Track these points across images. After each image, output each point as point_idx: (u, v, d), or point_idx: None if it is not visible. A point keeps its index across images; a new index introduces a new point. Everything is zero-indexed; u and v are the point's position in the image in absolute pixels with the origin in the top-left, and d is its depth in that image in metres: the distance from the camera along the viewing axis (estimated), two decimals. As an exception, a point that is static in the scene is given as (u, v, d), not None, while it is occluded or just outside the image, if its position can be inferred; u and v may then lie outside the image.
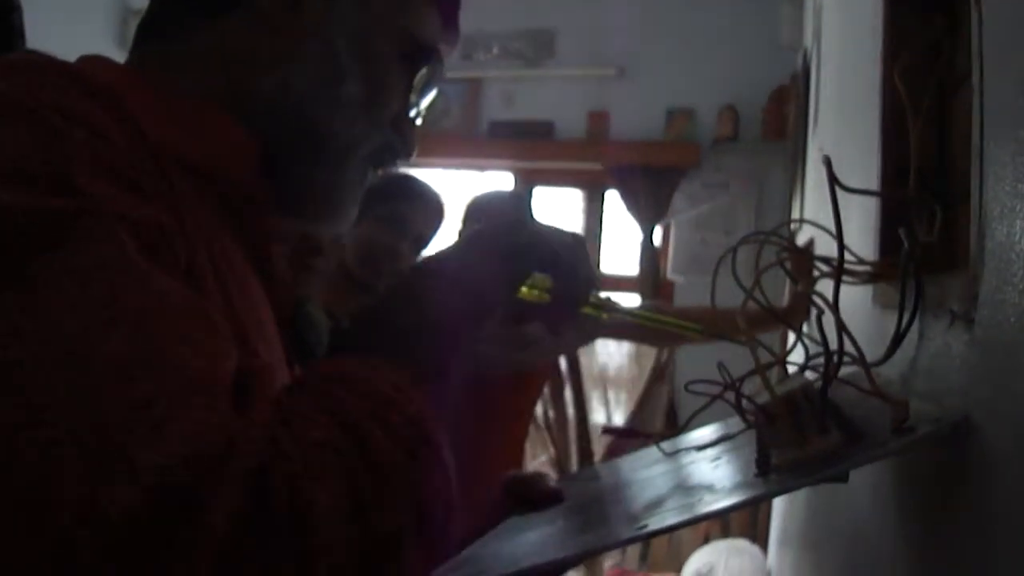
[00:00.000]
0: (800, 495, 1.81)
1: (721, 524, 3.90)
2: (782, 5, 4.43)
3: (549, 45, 5.26)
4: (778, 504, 2.95)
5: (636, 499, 0.72)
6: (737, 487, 0.67)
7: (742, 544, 3.35)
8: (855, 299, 0.98)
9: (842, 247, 0.70)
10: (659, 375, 4.14)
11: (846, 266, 0.92)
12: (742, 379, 0.75)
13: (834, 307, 0.74)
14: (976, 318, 0.56)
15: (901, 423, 0.59)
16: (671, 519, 0.60)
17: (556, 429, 2.89)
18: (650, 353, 4.34)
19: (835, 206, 0.71)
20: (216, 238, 0.66)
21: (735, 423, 0.92)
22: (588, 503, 0.79)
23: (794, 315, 2.09)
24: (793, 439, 0.64)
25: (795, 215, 3.47)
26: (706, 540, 3.71)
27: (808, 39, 3.27)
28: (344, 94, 0.73)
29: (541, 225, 0.72)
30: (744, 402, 0.77)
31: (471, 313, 0.65)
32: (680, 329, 0.92)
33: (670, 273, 4.84)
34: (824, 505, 1.37)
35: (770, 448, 0.65)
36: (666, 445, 0.87)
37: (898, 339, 0.75)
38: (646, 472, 0.83)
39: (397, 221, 2.05)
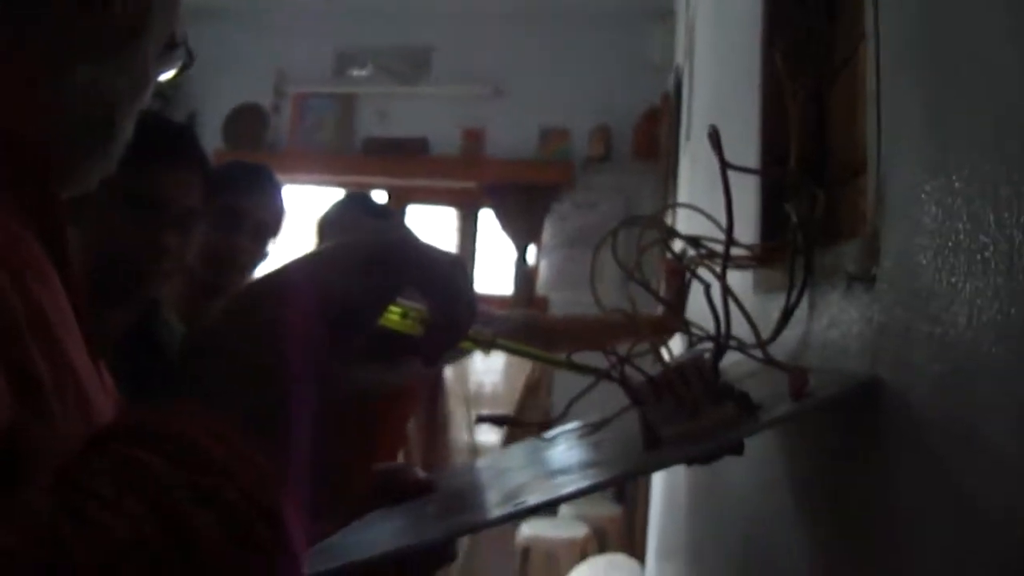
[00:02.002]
0: (685, 504, 1.78)
1: (598, 540, 3.88)
2: (654, 26, 4.51)
3: (425, 62, 5.23)
4: (656, 517, 2.94)
5: (510, 484, 0.67)
6: (617, 461, 0.62)
7: (619, 559, 3.34)
8: (735, 288, 0.94)
9: (731, 222, 0.67)
10: (533, 389, 4.12)
11: (730, 252, 0.90)
12: (630, 354, 0.71)
13: (722, 277, 0.71)
14: (878, 274, 0.53)
15: (801, 392, 0.55)
16: (548, 495, 0.54)
17: (423, 444, 2.82)
18: (522, 368, 4.32)
19: (725, 177, 0.67)
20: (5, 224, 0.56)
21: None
22: (460, 492, 0.73)
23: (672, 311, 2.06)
24: (684, 412, 0.59)
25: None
26: (583, 557, 3.69)
27: (680, 57, 3.31)
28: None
29: (415, 238, 0.60)
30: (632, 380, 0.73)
31: (324, 335, 0.53)
32: (557, 366, 0.87)
33: (541, 290, 4.84)
34: (711, 509, 1.34)
35: (659, 423, 0.60)
36: (548, 435, 0.82)
37: (789, 312, 0.72)
38: (524, 461, 0.78)
39: (233, 213, 1.86)
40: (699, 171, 2.12)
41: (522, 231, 4.97)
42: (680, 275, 2.47)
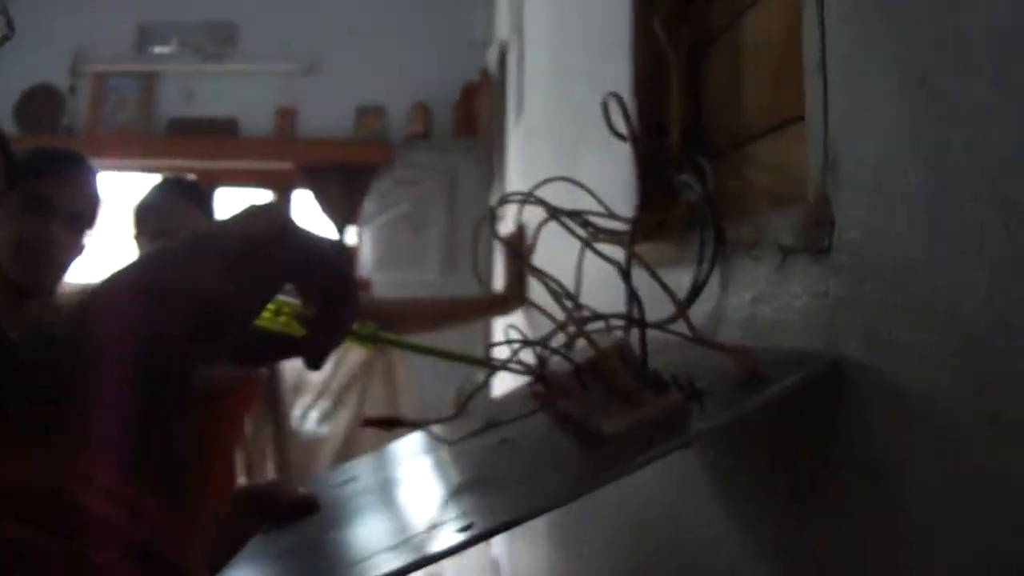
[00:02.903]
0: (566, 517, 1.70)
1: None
2: (473, 1, 4.46)
3: (232, 38, 5.00)
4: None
5: (424, 501, 0.59)
6: (555, 469, 0.56)
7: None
8: (604, 267, 0.87)
9: (645, 194, 0.62)
10: (365, 376, 4.02)
11: (608, 228, 0.86)
12: (547, 339, 0.65)
13: (630, 251, 0.66)
14: (835, 245, 0.50)
15: (751, 373, 0.51)
16: (490, 521, 0.47)
17: (263, 441, 2.68)
18: (356, 355, 4.20)
19: (637, 151, 0.62)
20: None
21: (514, 402, 0.82)
22: (353, 512, 0.65)
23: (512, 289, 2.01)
24: (620, 403, 0.54)
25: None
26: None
27: (505, 32, 3.27)
28: None
29: (295, 223, 0.52)
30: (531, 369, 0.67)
31: (190, 343, 0.44)
32: (461, 361, 0.80)
33: (364, 270, 4.74)
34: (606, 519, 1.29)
35: (594, 418, 0.55)
36: (443, 432, 0.75)
37: (699, 288, 0.69)
38: (418, 467, 0.71)
39: (39, 202, 1.69)
40: (539, 145, 2.08)
41: (340, 212, 4.85)
42: (520, 252, 2.45)
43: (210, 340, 0.45)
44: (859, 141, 0.48)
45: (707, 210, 0.70)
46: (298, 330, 0.64)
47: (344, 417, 3.99)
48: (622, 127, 0.76)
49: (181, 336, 0.43)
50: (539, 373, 0.61)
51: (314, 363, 0.58)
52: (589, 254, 0.78)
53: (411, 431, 0.76)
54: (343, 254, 0.58)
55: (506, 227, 2.83)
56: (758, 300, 0.61)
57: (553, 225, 0.84)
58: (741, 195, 0.83)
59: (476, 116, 4.63)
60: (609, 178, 1.08)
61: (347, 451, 3.12)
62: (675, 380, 0.54)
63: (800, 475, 0.53)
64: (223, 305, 0.46)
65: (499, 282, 2.64)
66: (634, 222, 0.66)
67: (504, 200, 0.86)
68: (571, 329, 0.63)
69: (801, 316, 0.54)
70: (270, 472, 2.64)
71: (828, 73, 0.52)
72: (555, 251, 0.86)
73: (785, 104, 0.76)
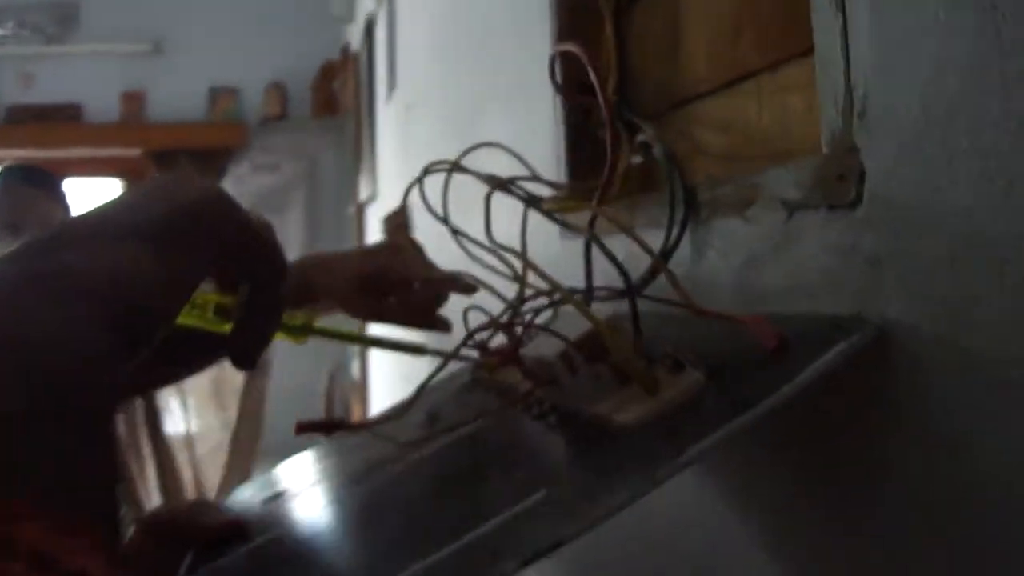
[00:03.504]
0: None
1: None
2: (331, -24, 4.31)
3: (73, 18, 4.71)
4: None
5: (410, 517, 0.50)
6: (584, 481, 0.43)
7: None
8: (537, 231, 0.79)
9: (615, 160, 0.56)
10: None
11: (548, 197, 0.79)
12: (516, 314, 0.58)
13: (592, 221, 0.60)
14: (868, 196, 0.44)
15: (778, 346, 0.45)
16: (531, 546, 0.36)
17: (139, 443, 2.50)
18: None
19: (611, 116, 0.56)
20: None
21: (458, 391, 0.74)
22: (309, 537, 0.55)
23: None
24: (623, 387, 0.48)
25: (364, 188, 3.37)
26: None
27: (370, 6, 3.15)
28: None
29: (226, 194, 0.43)
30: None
31: (107, 348, 0.34)
32: (400, 351, 0.72)
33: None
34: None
35: (596, 408, 0.48)
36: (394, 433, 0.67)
37: (668, 253, 0.63)
38: (368, 477, 0.61)
39: None
40: (422, 120, 2.00)
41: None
42: (405, 228, 2.35)
43: (130, 342, 0.36)
44: (894, 77, 0.43)
45: (673, 169, 0.64)
46: (217, 325, 0.55)
47: (213, 412, 3.80)
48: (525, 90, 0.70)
49: (91, 338, 0.34)
50: (517, 358, 0.53)
51: (245, 362, 0.48)
52: (532, 226, 0.72)
53: (354, 434, 0.67)
54: (271, 230, 0.50)
55: (386, 208, 2.74)
56: (752, 263, 0.55)
57: (471, 203, 0.77)
58: (690, 156, 0.77)
59: (336, 96, 4.50)
60: (524, 144, 1.01)
61: (232, 455, 2.96)
62: (684, 357, 0.47)
63: (843, 465, 0.47)
64: (146, 296, 0.37)
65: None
66: (604, 185, 0.59)
67: (428, 170, 0.78)
68: (554, 298, 0.56)
69: (819, 277, 0.48)
70: (152, 479, 2.47)
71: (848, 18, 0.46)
72: (480, 229, 0.78)
73: (741, 57, 0.71)
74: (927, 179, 0.40)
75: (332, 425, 0.65)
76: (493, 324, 0.61)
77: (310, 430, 0.64)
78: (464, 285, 0.83)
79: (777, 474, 0.54)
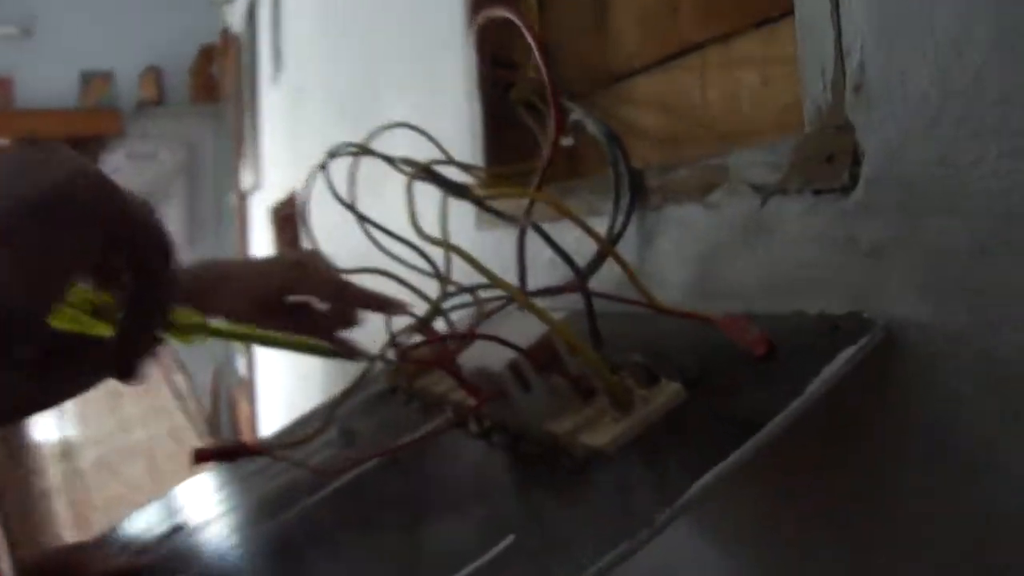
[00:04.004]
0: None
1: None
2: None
3: (-72, -2, 4.41)
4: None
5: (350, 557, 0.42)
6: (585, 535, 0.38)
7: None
8: (453, 230, 0.72)
9: (558, 141, 0.49)
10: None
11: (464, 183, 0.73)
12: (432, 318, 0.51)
13: (534, 194, 0.54)
14: (865, 179, 0.38)
15: (765, 348, 0.40)
16: None
17: None
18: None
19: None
20: None
21: (369, 402, 0.67)
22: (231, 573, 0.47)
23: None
24: (586, 403, 0.41)
25: (247, 177, 3.23)
26: None
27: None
28: None
29: (103, 175, 0.36)
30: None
31: None
32: (313, 354, 0.63)
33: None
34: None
35: (560, 427, 0.41)
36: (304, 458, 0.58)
37: (613, 241, 0.56)
38: (280, 509, 0.53)
39: None
40: (312, 103, 1.90)
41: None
42: (293, 222, 2.25)
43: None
44: (899, 44, 0.37)
45: (616, 151, 0.58)
46: (97, 327, 0.47)
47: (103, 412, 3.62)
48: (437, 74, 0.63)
49: None
50: (453, 370, 0.46)
51: (128, 371, 0.40)
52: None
53: (256, 458, 0.59)
54: (150, 204, 0.41)
55: (272, 198, 2.62)
56: (714, 255, 0.49)
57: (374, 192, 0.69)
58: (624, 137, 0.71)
59: (216, 80, 4.32)
60: (429, 127, 0.93)
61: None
62: (658, 367, 0.41)
63: (845, 484, 0.42)
64: (5, 299, 0.31)
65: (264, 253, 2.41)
66: (544, 168, 0.52)
67: (335, 154, 0.71)
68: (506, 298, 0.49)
69: (801, 271, 0.43)
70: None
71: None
72: (384, 221, 0.69)
73: (680, 29, 0.65)
74: (946, 159, 0.35)
75: (233, 451, 0.56)
76: (420, 327, 0.54)
77: (210, 459, 0.55)
78: (388, 304, 0.71)
79: (768, 507, 0.48)
